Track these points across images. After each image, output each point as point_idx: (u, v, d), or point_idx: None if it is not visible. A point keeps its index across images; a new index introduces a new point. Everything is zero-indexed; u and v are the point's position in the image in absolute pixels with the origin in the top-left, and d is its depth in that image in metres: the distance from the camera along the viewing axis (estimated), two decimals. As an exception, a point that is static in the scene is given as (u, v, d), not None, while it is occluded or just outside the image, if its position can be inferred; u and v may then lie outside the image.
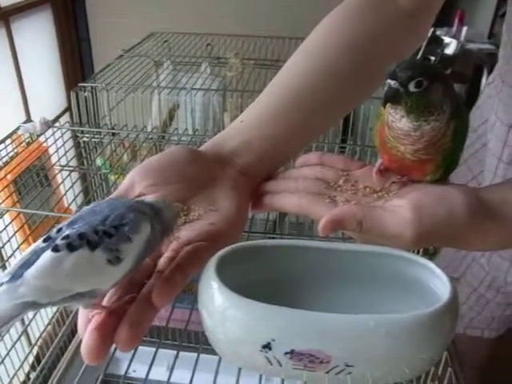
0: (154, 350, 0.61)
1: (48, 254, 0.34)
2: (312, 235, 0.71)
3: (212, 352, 0.43)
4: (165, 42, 1.39)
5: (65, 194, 0.84)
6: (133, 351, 0.53)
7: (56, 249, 0.34)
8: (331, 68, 0.56)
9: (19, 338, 0.90)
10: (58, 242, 0.35)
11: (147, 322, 0.38)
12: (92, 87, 1.12)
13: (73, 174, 0.98)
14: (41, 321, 1.03)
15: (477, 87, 2.15)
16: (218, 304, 0.39)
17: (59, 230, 0.36)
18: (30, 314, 0.93)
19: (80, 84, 1.11)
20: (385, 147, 0.48)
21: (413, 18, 0.60)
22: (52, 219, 0.86)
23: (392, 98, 0.43)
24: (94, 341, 0.36)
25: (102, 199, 0.43)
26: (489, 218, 0.44)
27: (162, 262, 0.43)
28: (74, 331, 1.09)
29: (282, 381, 0.53)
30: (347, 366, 0.37)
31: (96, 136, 1.01)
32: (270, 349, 0.37)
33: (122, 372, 0.73)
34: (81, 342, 0.37)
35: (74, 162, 0.99)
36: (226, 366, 0.50)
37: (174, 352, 0.63)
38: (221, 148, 0.53)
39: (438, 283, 0.42)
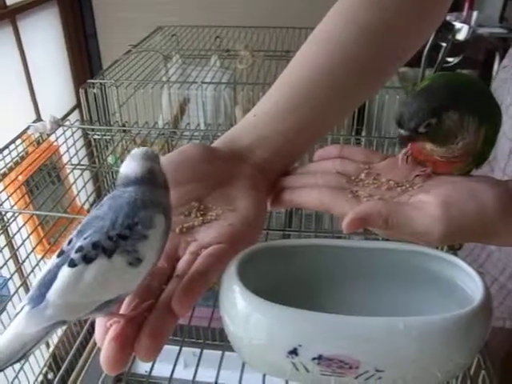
0: (177, 348, 0.60)
1: (66, 271, 0.33)
2: (332, 230, 0.69)
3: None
4: (173, 35, 1.37)
5: (77, 193, 0.83)
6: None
7: (73, 263, 0.33)
8: (342, 58, 0.54)
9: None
10: (73, 255, 0.33)
11: (168, 331, 0.37)
12: (101, 83, 1.11)
13: (85, 172, 0.98)
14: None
15: (489, 72, 2.12)
16: (241, 309, 0.38)
17: (70, 242, 0.35)
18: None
19: (89, 81, 1.10)
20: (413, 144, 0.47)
21: (427, 5, 0.58)
22: (65, 219, 0.85)
23: (408, 142, 0.44)
24: (114, 351, 0.35)
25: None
26: None
27: (180, 266, 0.41)
28: (90, 331, 1.08)
29: None
30: (377, 370, 0.36)
31: (107, 133, 1.00)
32: (296, 354, 0.36)
33: (143, 371, 0.72)
34: (91, 349, 0.36)
35: (85, 161, 0.98)
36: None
37: (196, 350, 0.62)
38: (235, 144, 0.52)
39: (469, 281, 0.40)
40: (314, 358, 0.36)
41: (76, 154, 0.91)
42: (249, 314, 0.37)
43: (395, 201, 0.45)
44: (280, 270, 0.44)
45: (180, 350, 0.60)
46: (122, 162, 0.39)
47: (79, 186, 0.93)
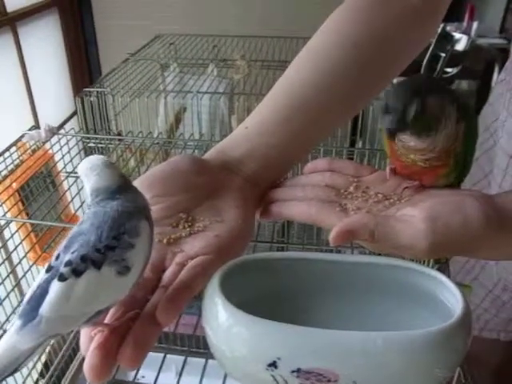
0: (162, 355, 0.61)
1: (56, 285, 0.33)
2: (321, 242, 0.70)
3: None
4: (171, 44, 1.38)
5: (71, 200, 0.84)
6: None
7: (62, 277, 0.34)
8: (336, 70, 0.55)
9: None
10: (62, 269, 0.34)
11: (152, 340, 0.37)
12: (98, 92, 1.12)
13: (79, 180, 0.98)
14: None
15: (488, 83, 2.12)
16: (223, 321, 0.38)
17: (57, 257, 0.35)
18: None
19: (86, 89, 1.11)
20: (395, 154, 0.47)
21: (421, 14, 0.58)
22: (59, 227, 0.85)
23: (396, 130, 0.44)
24: (97, 359, 0.35)
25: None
26: (504, 226, 0.42)
27: (166, 276, 0.42)
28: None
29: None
30: (356, 384, 0.36)
31: (102, 142, 1.00)
32: (275, 367, 0.36)
33: (131, 378, 0.73)
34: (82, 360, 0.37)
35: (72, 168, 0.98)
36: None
37: (182, 357, 0.62)
38: (226, 156, 0.52)
39: (450, 296, 0.40)
40: (293, 371, 0.36)
41: (71, 161, 0.91)
42: (230, 327, 0.37)
43: (382, 214, 0.46)
44: (264, 283, 0.44)
45: (164, 357, 0.60)
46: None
47: (73, 193, 0.94)
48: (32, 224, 0.85)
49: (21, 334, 0.33)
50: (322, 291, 0.44)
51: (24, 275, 0.80)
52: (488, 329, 0.86)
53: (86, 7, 1.87)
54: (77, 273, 0.34)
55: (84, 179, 0.38)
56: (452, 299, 0.40)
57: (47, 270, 0.35)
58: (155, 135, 1.05)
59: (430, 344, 0.36)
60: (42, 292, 0.34)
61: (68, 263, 0.34)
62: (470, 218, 0.41)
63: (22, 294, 0.89)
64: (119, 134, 1.04)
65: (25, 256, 0.81)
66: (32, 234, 0.86)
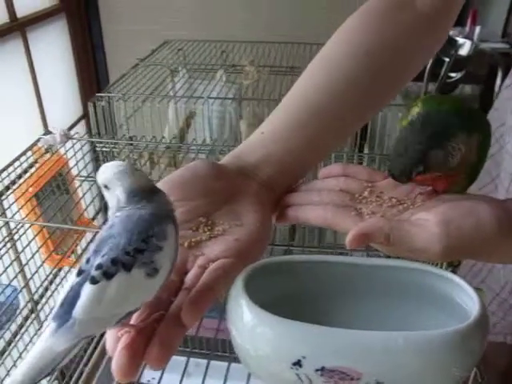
0: (185, 359, 0.62)
1: (89, 288, 0.35)
2: (335, 245, 0.71)
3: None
4: (179, 50, 1.40)
5: (87, 206, 0.85)
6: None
7: (94, 280, 0.35)
8: (349, 78, 0.56)
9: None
10: (94, 273, 0.35)
11: (177, 340, 0.38)
12: (109, 97, 1.13)
13: (91, 184, 1.00)
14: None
15: (491, 88, 2.13)
16: (248, 321, 0.39)
17: (88, 261, 0.36)
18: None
19: (97, 94, 1.12)
20: None
21: (432, 22, 0.59)
22: (73, 231, 0.87)
23: (404, 183, 0.46)
24: (125, 359, 0.36)
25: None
26: None
27: (188, 279, 0.43)
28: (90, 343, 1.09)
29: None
30: (378, 382, 0.37)
31: (114, 146, 1.02)
32: (300, 366, 0.37)
33: (146, 381, 0.74)
34: (100, 354, 0.38)
35: (90, 173, 1.00)
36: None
37: (200, 361, 0.63)
38: (242, 161, 0.53)
39: (466, 298, 0.42)
40: (317, 370, 0.37)
41: (85, 167, 0.93)
42: (255, 327, 0.39)
43: (397, 218, 0.47)
44: (286, 285, 0.45)
45: (188, 360, 0.61)
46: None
47: (87, 197, 0.95)
48: (48, 230, 0.86)
49: (56, 336, 0.34)
50: (342, 294, 0.45)
51: (33, 275, 0.81)
52: (494, 332, 0.87)
53: (93, 13, 1.88)
54: (108, 275, 0.35)
55: (112, 184, 0.39)
56: (468, 301, 0.41)
57: (78, 274, 0.36)
58: (164, 141, 1.06)
59: (449, 344, 0.37)
60: (74, 295, 0.35)
61: (99, 266, 0.35)
62: (482, 222, 0.42)
63: (30, 293, 0.90)
64: (131, 139, 1.05)
65: (35, 254, 0.82)
66: (48, 241, 0.88)
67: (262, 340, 0.39)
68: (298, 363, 0.37)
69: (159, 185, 0.49)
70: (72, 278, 0.36)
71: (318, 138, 0.55)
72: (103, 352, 0.79)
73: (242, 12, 1.65)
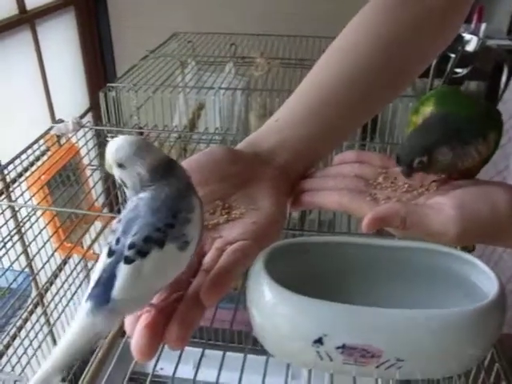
0: (199, 350, 0.62)
1: (124, 268, 0.35)
2: (349, 231, 0.71)
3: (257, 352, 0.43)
4: (189, 42, 1.40)
5: (99, 196, 0.86)
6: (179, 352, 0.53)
7: (129, 260, 0.35)
8: (362, 69, 0.56)
9: (45, 338, 0.92)
10: (127, 252, 0.35)
11: (196, 321, 0.38)
12: (118, 87, 1.13)
13: (100, 173, 1.00)
14: (65, 320, 1.05)
15: (497, 84, 2.13)
16: (268, 300, 0.40)
17: (118, 241, 0.36)
18: (55, 315, 0.95)
19: (109, 84, 1.12)
20: None
21: (445, 16, 0.59)
22: (85, 219, 0.87)
23: (409, 176, 0.46)
24: (145, 338, 0.36)
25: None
26: None
27: (206, 260, 0.43)
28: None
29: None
30: (398, 360, 0.38)
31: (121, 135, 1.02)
32: (321, 343, 0.38)
33: (170, 373, 0.73)
34: (111, 341, 0.38)
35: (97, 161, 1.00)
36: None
37: (214, 352, 0.62)
38: (258, 147, 0.54)
39: (484, 279, 0.42)
40: (338, 347, 0.38)
41: (96, 156, 0.93)
42: (275, 306, 0.39)
43: (412, 202, 0.47)
44: (301, 266, 0.46)
45: (203, 351, 0.62)
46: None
47: (97, 186, 0.96)
48: (60, 217, 0.87)
49: (96, 316, 0.34)
50: (360, 274, 0.46)
51: (45, 263, 0.81)
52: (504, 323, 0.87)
53: (101, 6, 1.89)
54: (142, 254, 0.35)
55: (130, 162, 0.37)
56: (486, 282, 0.42)
57: (109, 255, 0.36)
58: (176, 130, 1.06)
59: (467, 322, 0.38)
60: (109, 276, 0.35)
61: (131, 245, 0.35)
62: (497, 206, 0.43)
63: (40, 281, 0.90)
64: (140, 128, 1.05)
65: (47, 241, 0.83)
66: (57, 225, 0.88)
67: (282, 318, 0.39)
68: (319, 341, 0.38)
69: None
70: (103, 259, 0.36)
71: (331, 126, 0.56)
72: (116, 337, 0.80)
73: (251, 5, 1.64)
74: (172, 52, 1.35)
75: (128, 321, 0.39)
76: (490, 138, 0.46)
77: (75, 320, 0.35)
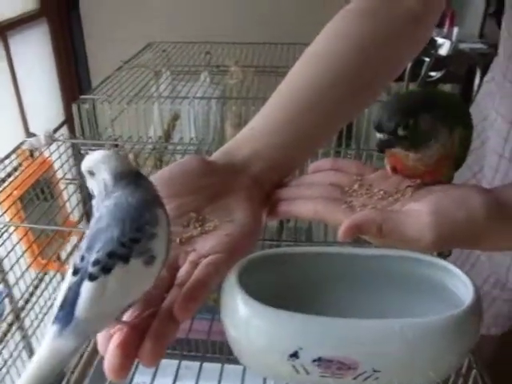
0: (176, 362, 0.61)
1: (88, 285, 0.34)
2: (326, 241, 0.71)
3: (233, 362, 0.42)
4: (163, 51, 1.39)
5: (73, 209, 0.84)
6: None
7: (93, 277, 0.34)
8: (337, 75, 0.56)
9: (20, 353, 0.90)
10: (91, 269, 0.34)
11: (171, 336, 0.38)
12: (93, 99, 1.12)
13: (75, 187, 0.99)
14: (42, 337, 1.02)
15: (470, 87, 2.17)
16: (243, 314, 0.39)
17: (82, 259, 0.36)
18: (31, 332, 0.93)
19: (82, 96, 1.11)
20: (394, 158, 0.49)
21: (419, 20, 0.60)
22: (58, 234, 0.86)
23: (387, 147, 0.45)
24: (119, 358, 0.35)
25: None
26: (506, 217, 0.44)
27: (180, 275, 0.42)
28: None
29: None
30: (375, 371, 0.37)
31: (96, 148, 1.00)
32: (297, 357, 0.37)
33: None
34: (89, 357, 0.37)
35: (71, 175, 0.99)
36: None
37: (189, 363, 0.62)
38: (232, 157, 0.53)
39: (459, 284, 0.42)
40: (314, 360, 0.37)
41: (70, 170, 0.92)
42: (250, 319, 0.39)
43: (388, 209, 0.47)
44: (277, 278, 0.45)
45: (179, 363, 0.61)
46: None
47: (71, 200, 0.94)
48: (33, 232, 0.85)
49: (62, 338, 0.33)
50: (336, 284, 0.46)
51: (18, 280, 0.80)
52: None
53: (74, 16, 1.87)
54: (106, 270, 0.34)
55: (97, 168, 0.37)
56: (461, 287, 0.41)
57: (74, 273, 0.35)
58: (151, 141, 1.05)
59: (444, 330, 0.37)
60: (73, 295, 0.34)
61: (96, 262, 0.34)
62: (473, 210, 0.43)
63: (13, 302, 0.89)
64: (115, 140, 1.04)
65: (20, 258, 0.81)
66: (31, 240, 0.86)
67: (257, 332, 0.39)
68: (294, 355, 0.37)
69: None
70: (68, 279, 0.36)
71: (306, 134, 0.55)
72: (92, 357, 0.79)
73: (226, 13, 1.64)
74: (146, 62, 1.34)
75: (100, 339, 0.38)
76: (455, 133, 0.46)
77: (42, 344, 0.34)
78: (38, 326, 0.92)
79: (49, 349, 0.34)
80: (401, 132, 0.43)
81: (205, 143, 0.99)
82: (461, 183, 0.51)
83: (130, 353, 0.36)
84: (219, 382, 0.59)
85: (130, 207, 0.37)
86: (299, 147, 0.55)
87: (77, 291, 0.34)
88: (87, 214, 1.01)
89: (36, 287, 0.97)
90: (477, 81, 2.19)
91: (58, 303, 0.35)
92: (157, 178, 0.50)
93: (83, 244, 0.37)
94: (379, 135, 0.44)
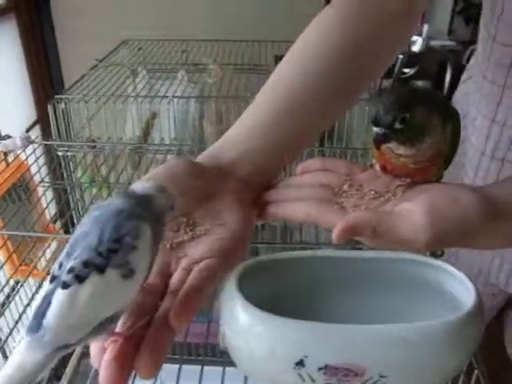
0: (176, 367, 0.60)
1: (59, 294, 0.32)
2: (317, 242, 0.71)
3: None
4: (139, 49, 1.36)
5: (56, 214, 0.81)
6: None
7: (65, 285, 0.33)
8: (323, 73, 0.56)
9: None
10: (65, 277, 0.33)
11: (167, 346, 0.37)
12: (69, 99, 1.09)
13: (51, 190, 0.96)
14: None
15: (441, 83, 2.21)
16: (244, 322, 0.38)
17: (60, 266, 0.34)
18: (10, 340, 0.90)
19: (57, 96, 1.08)
20: (384, 158, 0.48)
21: (400, 20, 0.60)
22: (36, 239, 0.83)
23: (384, 142, 0.44)
24: (115, 371, 0.34)
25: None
26: (498, 216, 0.44)
27: (173, 282, 0.41)
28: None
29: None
30: (381, 376, 0.37)
31: (74, 149, 0.98)
32: (303, 365, 0.37)
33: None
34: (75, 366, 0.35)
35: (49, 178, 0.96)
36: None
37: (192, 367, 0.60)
38: (219, 159, 0.52)
39: (458, 287, 0.42)
40: (320, 368, 0.37)
41: (49, 173, 0.89)
42: (252, 328, 0.38)
43: (381, 210, 0.47)
44: (272, 284, 0.45)
45: (180, 368, 0.59)
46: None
47: (45, 203, 0.91)
48: (11, 238, 0.82)
49: (27, 349, 0.32)
50: (330, 287, 0.45)
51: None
52: None
53: (45, 13, 1.81)
54: (80, 279, 0.33)
55: None
56: (460, 289, 0.41)
57: (51, 280, 0.34)
58: (131, 142, 1.03)
59: (450, 332, 0.37)
60: (47, 304, 0.33)
61: (71, 270, 0.33)
62: (465, 209, 0.43)
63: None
64: (93, 141, 1.02)
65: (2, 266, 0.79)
66: (10, 249, 0.84)
67: (261, 341, 0.38)
68: (300, 363, 0.37)
69: (135, 185, 0.48)
70: (46, 287, 0.34)
71: (294, 134, 0.55)
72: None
73: (203, 11, 1.62)
74: (122, 60, 1.31)
75: (94, 351, 0.36)
76: (447, 128, 0.46)
77: (13, 355, 0.32)
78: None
79: (15, 363, 0.32)
80: (398, 125, 0.43)
81: (185, 143, 0.97)
82: (450, 182, 0.51)
83: (125, 365, 0.35)
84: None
85: (113, 217, 0.35)
86: (286, 147, 0.54)
87: (50, 299, 0.32)
88: (68, 220, 0.98)
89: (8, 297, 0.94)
90: (448, 77, 2.24)
91: (32, 313, 0.33)
92: (143, 180, 0.48)
93: (64, 250, 0.35)
94: (376, 129, 0.43)
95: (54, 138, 1.02)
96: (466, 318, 0.38)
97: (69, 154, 0.93)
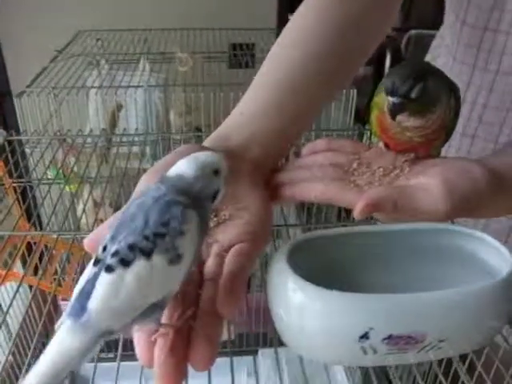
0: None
1: (104, 277, 0.32)
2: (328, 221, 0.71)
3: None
4: (97, 40, 1.31)
5: (34, 212, 0.77)
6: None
7: (110, 269, 0.32)
8: (322, 52, 0.56)
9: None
10: (109, 261, 0.32)
11: (219, 335, 0.36)
12: (30, 92, 1.04)
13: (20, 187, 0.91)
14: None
15: (381, 69, 2.28)
16: (302, 300, 0.38)
17: (104, 249, 0.33)
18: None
19: (26, 89, 1.03)
20: (387, 134, 0.49)
21: (388, 2, 0.62)
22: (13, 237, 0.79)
23: (400, 111, 0.46)
24: (173, 367, 0.33)
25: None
26: (503, 188, 0.46)
27: (209, 269, 0.41)
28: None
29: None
30: (440, 341, 0.38)
31: (50, 144, 0.93)
32: (367, 338, 0.37)
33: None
34: None
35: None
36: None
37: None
38: (227, 143, 0.52)
39: (491, 254, 0.43)
40: (384, 339, 0.37)
41: (20, 170, 0.85)
42: (312, 305, 0.38)
43: (395, 185, 0.48)
44: (318, 260, 0.45)
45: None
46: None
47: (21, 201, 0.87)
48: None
49: (70, 333, 0.31)
50: (370, 262, 0.46)
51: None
52: None
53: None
54: (125, 263, 0.32)
55: (223, 170, 0.39)
56: (494, 256, 0.43)
57: (95, 263, 0.33)
58: (93, 133, 0.99)
59: (497, 294, 0.39)
60: (90, 287, 0.32)
61: (115, 253, 0.32)
62: (476, 181, 0.45)
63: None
64: (61, 135, 0.97)
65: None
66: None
67: (322, 318, 0.38)
68: (365, 335, 0.37)
69: (149, 172, 0.46)
70: (89, 269, 0.33)
71: (297, 116, 0.55)
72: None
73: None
74: (82, 52, 1.26)
75: (140, 347, 0.35)
76: (451, 100, 0.48)
77: (53, 340, 0.32)
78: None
79: (58, 347, 0.31)
80: (413, 95, 0.44)
81: (152, 133, 0.95)
82: (452, 156, 0.53)
83: (181, 361, 0.34)
84: (232, 373, 0.57)
85: (160, 202, 0.35)
86: (292, 127, 0.55)
87: (94, 283, 0.32)
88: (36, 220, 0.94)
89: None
90: (387, 63, 2.32)
91: (74, 295, 0.32)
92: (156, 168, 0.47)
93: (108, 233, 0.34)
94: (392, 99, 0.45)
95: (22, 133, 0.97)
96: (510, 279, 0.39)
97: (36, 150, 0.88)
